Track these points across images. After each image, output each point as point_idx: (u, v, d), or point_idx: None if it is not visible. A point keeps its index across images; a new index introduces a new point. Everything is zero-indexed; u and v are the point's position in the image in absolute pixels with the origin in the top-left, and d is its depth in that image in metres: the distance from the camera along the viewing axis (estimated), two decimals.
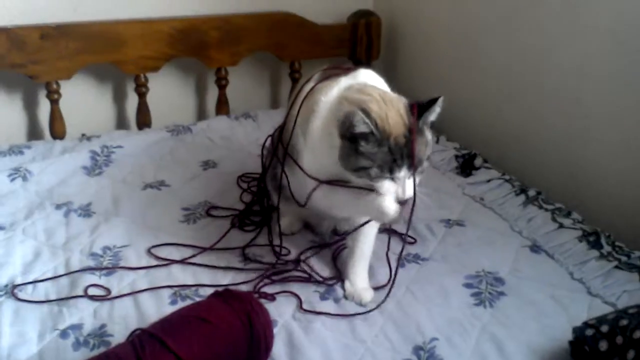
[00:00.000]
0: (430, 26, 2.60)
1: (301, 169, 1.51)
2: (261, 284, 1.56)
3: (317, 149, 1.45)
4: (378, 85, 1.50)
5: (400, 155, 1.34)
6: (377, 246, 1.63)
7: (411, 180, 1.38)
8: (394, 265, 1.60)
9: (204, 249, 1.70)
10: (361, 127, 1.31)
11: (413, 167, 1.37)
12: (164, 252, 1.68)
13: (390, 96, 1.41)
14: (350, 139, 1.34)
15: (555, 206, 1.93)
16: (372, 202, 1.39)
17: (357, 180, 1.40)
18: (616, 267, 1.66)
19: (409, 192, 1.38)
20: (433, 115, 1.41)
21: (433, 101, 1.40)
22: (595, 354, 1.27)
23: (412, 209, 1.43)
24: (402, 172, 1.36)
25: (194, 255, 1.67)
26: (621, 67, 1.84)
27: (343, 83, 1.48)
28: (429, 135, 1.42)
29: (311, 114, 1.46)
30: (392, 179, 1.36)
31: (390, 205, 1.38)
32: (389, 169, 1.35)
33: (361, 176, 1.37)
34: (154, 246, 1.70)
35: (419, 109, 1.38)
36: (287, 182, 1.59)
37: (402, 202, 1.39)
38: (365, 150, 1.33)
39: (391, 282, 1.57)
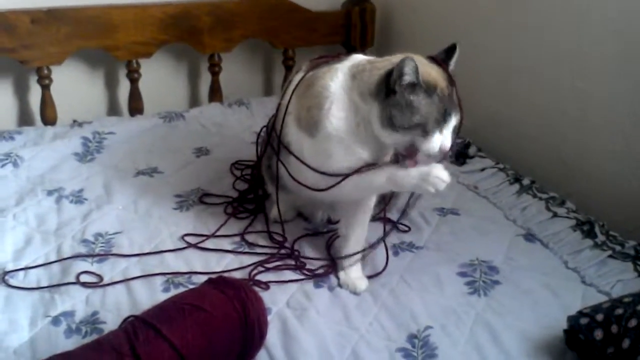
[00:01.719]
0: (425, 13, 2.59)
1: (305, 164, 1.49)
2: (255, 271, 1.55)
3: (339, 134, 1.41)
4: None
5: (449, 104, 1.37)
6: (371, 235, 1.63)
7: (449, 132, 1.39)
8: (389, 253, 1.60)
9: (207, 237, 1.69)
10: (411, 77, 1.31)
11: (461, 114, 1.40)
12: (157, 240, 1.67)
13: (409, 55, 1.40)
14: (398, 92, 1.33)
15: (550, 195, 1.93)
16: (425, 175, 1.38)
17: (384, 152, 1.42)
18: (610, 256, 1.66)
19: (449, 143, 1.39)
20: (454, 62, 1.45)
21: (452, 49, 1.44)
22: (590, 342, 1.27)
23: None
24: (452, 121, 1.38)
25: (189, 245, 1.66)
26: (616, 55, 1.83)
27: (345, 64, 1.47)
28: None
29: (323, 101, 1.43)
30: (441, 131, 1.37)
31: (443, 173, 1.38)
32: (444, 120, 1.36)
33: (412, 134, 1.35)
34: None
35: (443, 60, 1.42)
36: (286, 170, 1.57)
37: (442, 158, 1.40)
38: (418, 104, 1.33)
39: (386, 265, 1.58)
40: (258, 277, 1.53)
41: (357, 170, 1.43)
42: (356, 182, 1.44)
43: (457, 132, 1.42)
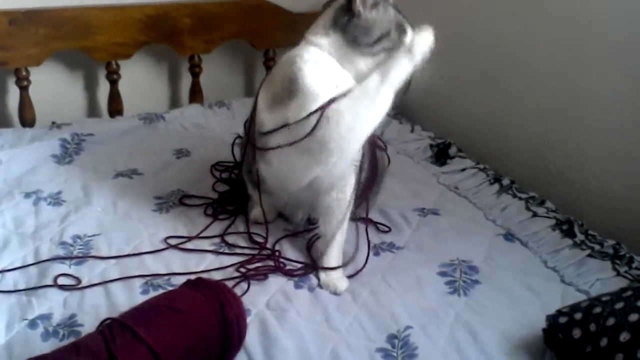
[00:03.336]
0: (407, 15, 2.59)
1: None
2: (238, 272, 1.55)
3: (318, 64, 1.46)
4: None
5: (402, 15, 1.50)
6: (351, 234, 1.63)
7: None
8: (370, 253, 1.61)
9: (189, 238, 1.68)
10: None
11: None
12: (136, 241, 1.66)
13: None
14: (361, 14, 1.44)
15: (529, 195, 1.94)
16: (411, 51, 1.45)
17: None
18: (589, 255, 1.67)
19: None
20: None
21: None
22: (568, 341, 1.27)
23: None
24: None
25: (170, 246, 1.65)
26: (599, 58, 1.84)
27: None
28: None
29: (288, 65, 1.49)
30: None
31: (426, 38, 1.48)
32: (404, 29, 1.49)
33: (382, 47, 1.45)
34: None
35: None
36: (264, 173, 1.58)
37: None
38: (378, 17, 1.45)
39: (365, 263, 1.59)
40: (237, 280, 1.52)
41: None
42: (353, 106, 1.44)
43: None
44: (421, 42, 1.45)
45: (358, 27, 1.44)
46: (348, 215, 1.61)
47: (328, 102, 1.41)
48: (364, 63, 1.46)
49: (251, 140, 1.58)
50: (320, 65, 1.45)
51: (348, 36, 1.45)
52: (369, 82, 1.43)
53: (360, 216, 1.70)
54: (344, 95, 1.42)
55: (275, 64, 1.58)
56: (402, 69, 1.44)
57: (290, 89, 1.45)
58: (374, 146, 1.67)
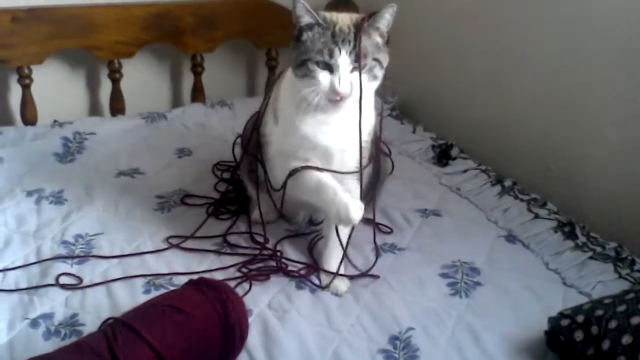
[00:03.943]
0: (408, 16, 2.58)
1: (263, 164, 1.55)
2: (240, 272, 1.55)
3: (285, 109, 1.47)
4: None
5: (342, 40, 1.37)
6: (352, 235, 1.62)
7: (354, 76, 1.38)
8: (371, 255, 1.61)
9: (186, 238, 1.68)
10: (305, 18, 1.37)
11: (359, 57, 1.37)
12: (138, 241, 1.66)
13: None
14: (298, 36, 1.39)
15: (531, 197, 1.94)
16: (338, 202, 1.40)
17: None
18: (591, 257, 1.67)
19: (345, 86, 1.38)
20: (383, 21, 1.42)
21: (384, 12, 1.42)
22: (570, 344, 1.27)
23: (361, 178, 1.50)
24: (342, 58, 1.37)
25: (171, 245, 1.65)
26: (598, 59, 1.84)
27: None
28: (378, 39, 1.44)
29: (279, 88, 1.49)
30: (332, 69, 1.37)
31: (355, 210, 1.39)
32: (329, 53, 1.36)
33: (304, 73, 1.38)
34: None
35: (369, 16, 1.41)
36: (265, 172, 1.57)
37: (339, 98, 1.39)
38: (308, 38, 1.38)
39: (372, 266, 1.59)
40: (239, 280, 1.52)
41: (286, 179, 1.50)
42: (298, 181, 1.49)
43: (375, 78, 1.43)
44: (351, 212, 1.39)
45: (295, 48, 1.42)
46: None
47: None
48: (301, 85, 1.42)
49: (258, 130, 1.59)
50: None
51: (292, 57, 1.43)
52: (308, 178, 1.48)
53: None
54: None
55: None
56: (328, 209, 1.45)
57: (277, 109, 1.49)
58: (379, 151, 1.67)
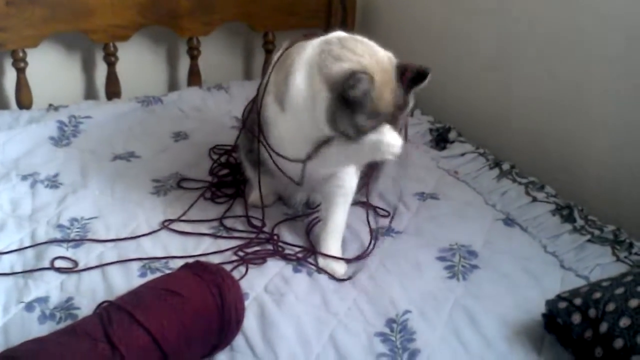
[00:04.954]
0: (409, 0, 2.57)
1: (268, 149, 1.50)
2: (236, 256, 1.54)
3: (301, 106, 1.40)
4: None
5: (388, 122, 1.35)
6: (350, 219, 1.62)
7: None
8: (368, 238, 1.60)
9: (178, 219, 1.68)
10: (358, 94, 1.28)
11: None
12: (133, 225, 1.65)
13: (379, 57, 1.38)
14: (342, 99, 1.30)
15: (529, 180, 1.93)
16: (377, 143, 1.35)
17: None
18: (589, 240, 1.67)
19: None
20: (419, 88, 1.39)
21: (423, 75, 1.36)
22: (568, 326, 1.27)
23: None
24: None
25: (164, 226, 1.65)
26: (598, 42, 1.83)
27: (320, 38, 1.45)
28: (411, 102, 1.40)
29: (288, 75, 1.42)
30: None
31: (394, 138, 1.35)
32: (376, 129, 1.34)
33: (343, 137, 1.35)
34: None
35: (408, 81, 1.35)
36: (270, 155, 1.56)
37: None
38: (360, 123, 1.31)
39: (372, 248, 1.59)
40: (236, 264, 1.51)
41: (312, 153, 1.43)
42: (318, 159, 1.44)
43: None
44: (389, 140, 1.36)
45: (341, 110, 1.32)
46: (349, 201, 1.60)
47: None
48: (325, 127, 1.37)
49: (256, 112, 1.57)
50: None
51: (330, 106, 1.33)
52: (330, 153, 1.43)
53: (359, 200, 1.69)
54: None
55: (288, 49, 1.52)
56: (365, 156, 1.45)
57: (281, 96, 1.44)
58: None
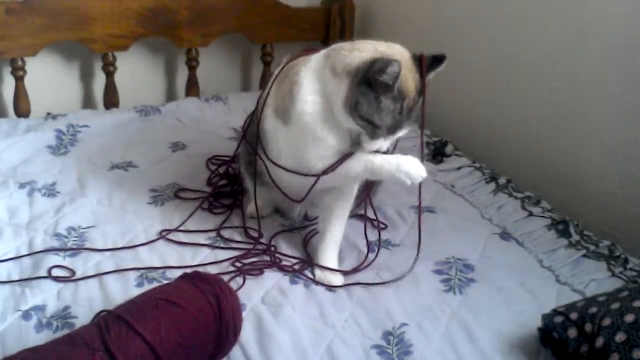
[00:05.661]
0: (405, 12, 2.59)
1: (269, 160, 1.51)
2: (233, 266, 1.54)
3: (306, 118, 1.41)
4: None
5: (407, 117, 1.38)
6: (346, 231, 1.62)
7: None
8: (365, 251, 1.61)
9: (176, 229, 1.68)
10: (389, 80, 1.30)
11: (422, 129, 1.48)
12: (131, 234, 1.65)
13: (394, 48, 1.41)
14: (365, 84, 1.32)
15: (525, 194, 1.94)
16: (403, 167, 1.40)
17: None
18: (584, 255, 1.68)
19: (385, 147, 1.42)
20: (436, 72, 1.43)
21: (439, 59, 1.41)
22: (564, 341, 1.27)
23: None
24: (400, 134, 1.40)
25: (162, 236, 1.65)
26: (596, 58, 1.84)
27: (322, 52, 1.47)
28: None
29: (294, 87, 1.42)
30: (386, 138, 1.38)
31: (420, 167, 1.41)
32: (394, 131, 1.38)
33: (363, 127, 1.36)
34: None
35: (428, 65, 1.40)
36: (266, 168, 1.57)
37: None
38: (385, 107, 1.33)
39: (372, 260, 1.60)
40: (233, 274, 1.52)
41: (334, 165, 1.43)
42: (334, 173, 1.44)
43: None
44: (416, 168, 1.42)
45: (365, 97, 1.33)
46: (347, 214, 1.61)
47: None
48: (345, 121, 1.38)
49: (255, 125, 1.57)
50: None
51: (352, 95, 1.34)
52: (352, 166, 1.44)
53: (356, 213, 1.70)
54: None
55: (289, 63, 1.53)
56: (387, 174, 1.44)
57: (284, 110, 1.45)
58: None
